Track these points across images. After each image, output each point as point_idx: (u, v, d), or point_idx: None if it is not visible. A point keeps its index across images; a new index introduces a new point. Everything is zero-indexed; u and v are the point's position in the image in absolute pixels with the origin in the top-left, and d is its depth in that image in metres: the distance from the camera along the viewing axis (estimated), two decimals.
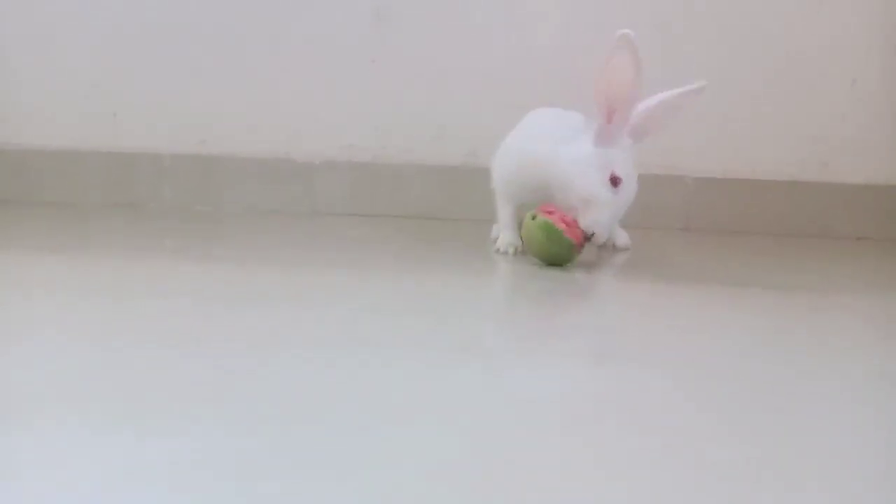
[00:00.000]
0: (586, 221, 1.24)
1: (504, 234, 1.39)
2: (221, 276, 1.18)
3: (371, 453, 0.56)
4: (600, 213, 1.24)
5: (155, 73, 1.86)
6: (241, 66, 1.84)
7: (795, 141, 1.76)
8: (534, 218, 1.26)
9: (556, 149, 1.27)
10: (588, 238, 1.26)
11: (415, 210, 1.80)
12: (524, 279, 1.21)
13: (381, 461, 0.55)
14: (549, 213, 1.25)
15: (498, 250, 1.39)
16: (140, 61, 1.86)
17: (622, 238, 1.46)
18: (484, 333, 0.93)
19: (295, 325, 0.90)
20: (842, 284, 1.26)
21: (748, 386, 0.73)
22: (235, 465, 0.53)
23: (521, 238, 1.32)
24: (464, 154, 1.77)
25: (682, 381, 0.74)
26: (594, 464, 0.56)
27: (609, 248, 1.46)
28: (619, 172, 1.24)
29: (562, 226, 1.24)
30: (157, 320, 0.91)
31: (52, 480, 0.51)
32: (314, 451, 0.56)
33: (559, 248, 1.25)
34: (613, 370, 0.78)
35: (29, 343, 0.81)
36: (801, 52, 1.74)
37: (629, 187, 1.25)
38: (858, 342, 0.94)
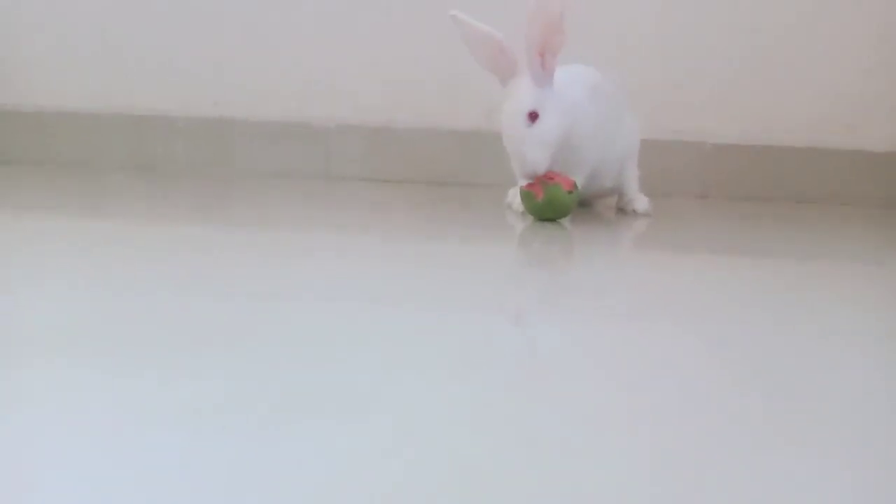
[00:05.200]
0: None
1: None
2: (238, 234, 1.17)
3: (390, 399, 0.56)
4: (516, 147, 1.25)
5: (168, 35, 1.84)
6: (255, 28, 1.82)
7: (818, 102, 1.73)
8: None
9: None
10: (542, 180, 1.26)
11: (429, 174, 1.79)
12: (540, 242, 1.21)
13: (400, 407, 0.55)
14: (549, 178, 1.27)
15: (509, 206, 1.40)
16: (153, 22, 1.84)
17: (642, 203, 1.44)
18: (502, 292, 0.93)
19: (312, 280, 0.91)
20: (866, 253, 1.25)
21: (768, 346, 0.73)
22: (256, 408, 0.53)
23: None
24: (478, 117, 1.75)
25: (701, 336, 0.73)
26: (616, 416, 0.56)
27: (629, 213, 1.44)
28: (538, 109, 1.24)
29: (527, 187, 1.28)
30: (175, 272, 0.91)
31: (74, 423, 0.51)
32: (333, 396, 0.56)
33: (528, 204, 1.29)
34: (628, 327, 0.77)
35: (52, 292, 0.81)
36: (822, 2, 1.71)
37: (549, 122, 1.25)
38: (879, 307, 0.93)
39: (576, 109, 1.28)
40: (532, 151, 1.24)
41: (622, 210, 1.46)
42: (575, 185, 1.28)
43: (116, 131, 1.86)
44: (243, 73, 1.84)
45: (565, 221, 1.31)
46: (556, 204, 1.27)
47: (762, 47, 1.73)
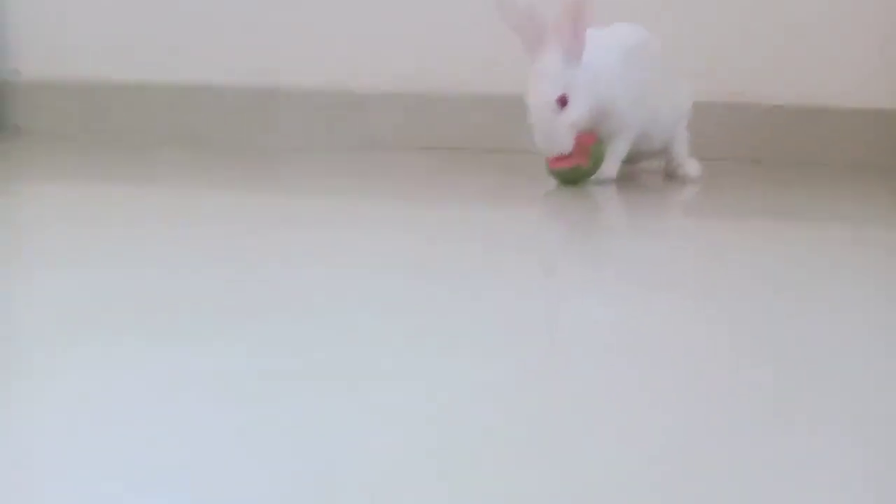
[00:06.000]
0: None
1: None
2: (278, 203, 1.17)
3: (424, 370, 0.56)
4: (545, 131, 1.22)
5: (212, 5, 1.83)
6: None
7: (882, 62, 1.65)
8: None
9: None
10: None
11: (471, 141, 1.75)
12: (582, 212, 1.18)
13: (433, 378, 0.55)
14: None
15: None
16: None
17: (693, 167, 1.40)
18: (545, 261, 0.90)
19: (352, 249, 0.90)
20: None
21: (806, 323, 0.69)
22: (287, 379, 0.54)
23: None
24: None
25: (733, 313, 0.70)
26: (642, 389, 0.54)
27: (679, 177, 1.40)
28: (567, 92, 1.21)
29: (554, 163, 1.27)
30: (214, 243, 0.92)
31: (107, 391, 0.52)
32: (366, 366, 0.56)
33: (552, 175, 1.29)
34: (668, 300, 0.74)
35: (92, 264, 0.82)
36: None
37: (578, 104, 1.22)
38: None
39: (608, 75, 1.25)
40: (561, 136, 1.22)
41: (670, 175, 1.41)
42: (597, 140, 1.27)
43: (164, 103, 1.86)
44: (286, 42, 1.82)
45: (611, 188, 1.28)
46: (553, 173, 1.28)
47: (818, 6, 1.65)
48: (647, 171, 1.47)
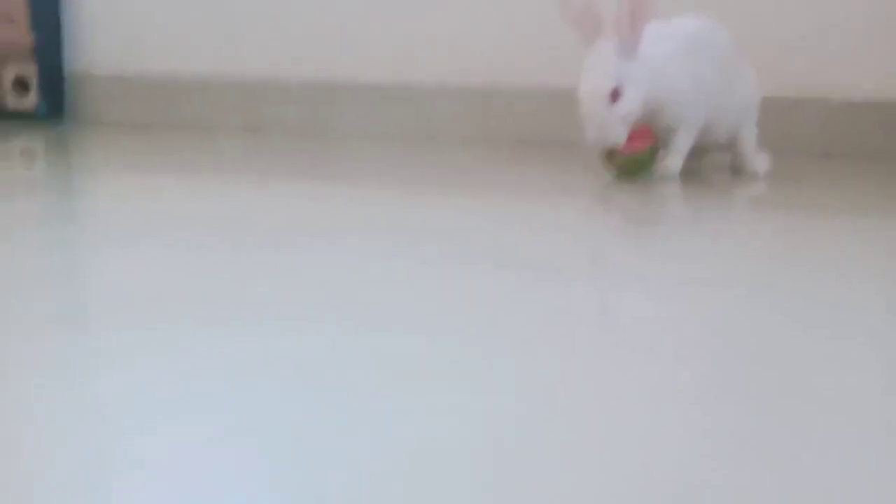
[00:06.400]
0: None
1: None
2: (339, 195, 1.18)
3: (472, 364, 0.57)
4: (597, 124, 1.21)
5: (274, 1, 1.85)
6: None
7: None
8: None
9: None
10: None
11: (530, 135, 1.74)
12: (648, 204, 1.16)
13: (480, 372, 0.55)
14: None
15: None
16: None
17: (762, 163, 1.36)
18: (594, 256, 0.89)
19: (411, 243, 0.90)
20: None
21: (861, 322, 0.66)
22: (350, 364, 0.55)
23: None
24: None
25: (784, 309, 0.68)
26: (685, 386, 0.52)
27: (747, 173, 1.36)
28: (620, 85, 1.19)
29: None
30: (280, 234, 0.93)
31: (177, 373, 0.53)
32: (421, 358, 0.58)
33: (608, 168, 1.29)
34: (720, 297, 0.72)
35: (165, 250, 0.84)
36: None
37: (631, 97, 1.20)
38: None
39: (666, 68, 1.23)
40: (613, 129, 1.20)
41: (737, 170, 1.38)
42: (653, 137, 1.26)
43: (229, 95, 1.89)
44: (346, 36, 1.83)
45: (676, 184, 1.26)
46: (606, 164, 1.28)
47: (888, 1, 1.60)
48: (715, 165, 1.44)
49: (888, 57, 1.61)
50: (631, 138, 1.22)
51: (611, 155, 1.25)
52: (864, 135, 1.62)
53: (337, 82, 1.83)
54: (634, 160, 1.25)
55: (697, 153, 1.36)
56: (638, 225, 1.09)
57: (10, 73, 1.93)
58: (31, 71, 1.92)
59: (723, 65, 1.29)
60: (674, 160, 1.28)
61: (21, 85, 1.93)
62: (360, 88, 1.82)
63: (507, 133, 1.75)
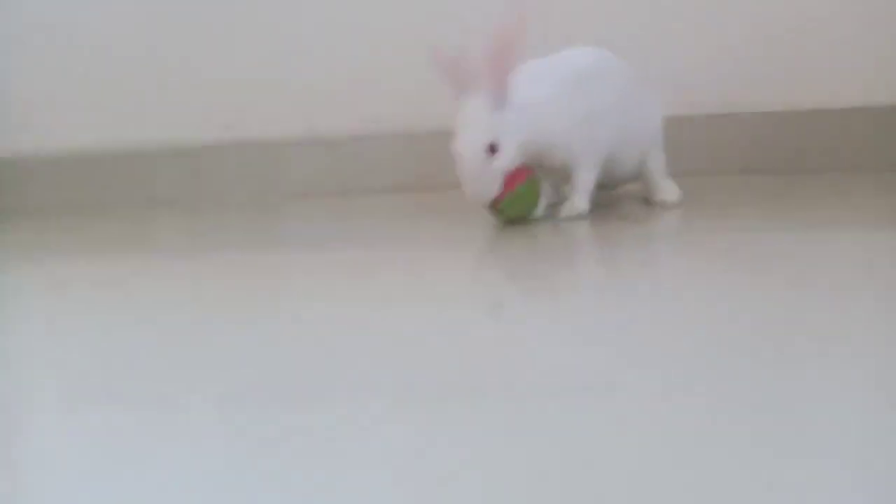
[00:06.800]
0: None
1: None
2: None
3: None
4: (473, 180, 1.16)
5: (176, 65, 1.79)
6: (265, 48, 1.76)
7: (877, 57, 1.55)
8: None
9: None
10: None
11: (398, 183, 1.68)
12: (547, 245, 1.14)
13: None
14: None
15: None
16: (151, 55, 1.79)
17: (670, 192, 1.31)
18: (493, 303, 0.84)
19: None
20: None
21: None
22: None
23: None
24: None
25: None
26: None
27: (657, 204, 1.31)
28: (497, 139, 1.15)
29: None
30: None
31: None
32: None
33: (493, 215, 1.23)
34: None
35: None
36: None
37: (508, 150, 1.16)
38: None
39: (545, 109, 1.19)
40: (493, 184, 1.16)
41: (649, 199, 1.33)
42: (530, 174, 1.19)
43: (125, 169, 1.82)
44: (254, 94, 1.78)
45: (583, 222, 1.21)
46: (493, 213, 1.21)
47: (793, 11, 1.57)
48: (628, 196, 1.39)
49: (801, 62, 1.58)
50: (506, 182, 1.17)
51: (494, 204, 1.19)
52: (781, 147, 1.58)
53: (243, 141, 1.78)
54: (515, 198, 1.19)
55: (607, 185, 1.31)
56: (541, 267, 1.03)
57: None
58: None
59: (619, 95, 1.24)
60: (579, 199, 1.24)
61: None
62: (257, 146, 1.77)
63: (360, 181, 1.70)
